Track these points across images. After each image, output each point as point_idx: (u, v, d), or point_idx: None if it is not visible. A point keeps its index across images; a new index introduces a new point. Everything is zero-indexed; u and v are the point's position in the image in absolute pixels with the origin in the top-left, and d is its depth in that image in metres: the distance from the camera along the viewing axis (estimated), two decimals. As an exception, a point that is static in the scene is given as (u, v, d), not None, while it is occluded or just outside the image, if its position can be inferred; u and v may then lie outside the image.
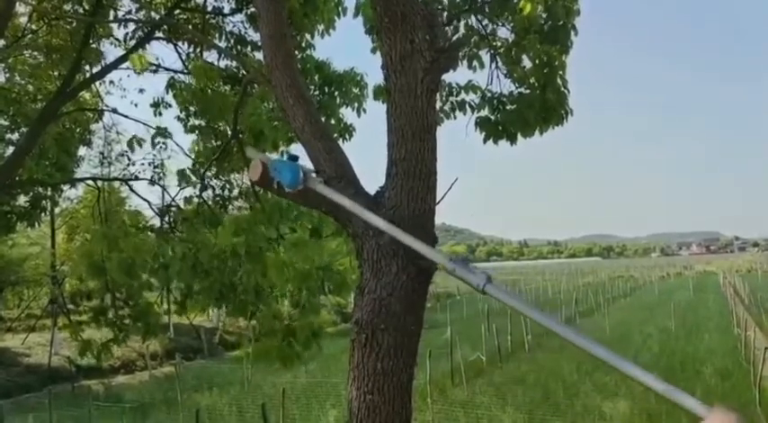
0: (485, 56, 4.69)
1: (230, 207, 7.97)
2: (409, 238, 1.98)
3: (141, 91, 13.45)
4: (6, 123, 11.43)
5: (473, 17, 4.53)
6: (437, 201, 2.75)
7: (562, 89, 4.38)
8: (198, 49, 9.39)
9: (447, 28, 4.29)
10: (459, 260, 1.66)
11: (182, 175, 6.82)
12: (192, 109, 7.28)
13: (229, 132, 6.38)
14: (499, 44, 4.63)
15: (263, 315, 5.29)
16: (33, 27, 11.04)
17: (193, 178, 6.93)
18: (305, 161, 2.93)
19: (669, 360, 14.98)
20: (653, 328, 20.67)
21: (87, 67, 10.95)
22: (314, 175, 2.16)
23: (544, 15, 4.35)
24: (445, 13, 4.34)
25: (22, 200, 10.82)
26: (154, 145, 8.54)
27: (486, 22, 4.62)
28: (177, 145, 11.16)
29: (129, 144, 8.41)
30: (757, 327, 17.53)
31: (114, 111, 12.33)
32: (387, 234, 2.54)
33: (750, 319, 18.26)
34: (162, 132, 7.85)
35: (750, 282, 35.82)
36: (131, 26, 9.67)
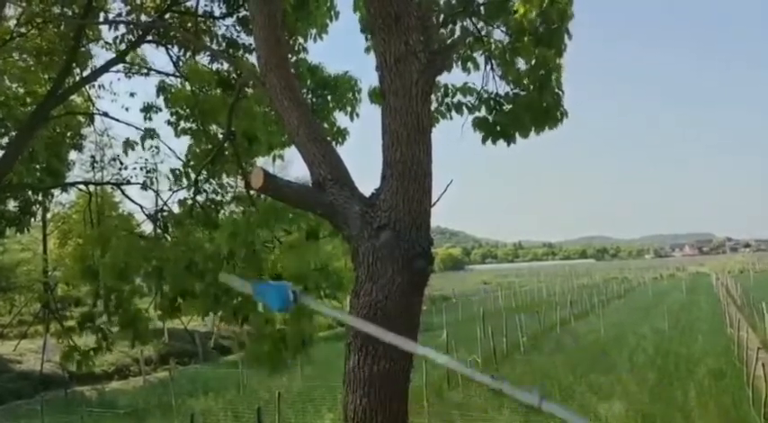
0: (479, 58, 4.70)
1: (223, 211, 7.93)
2: (455, 363, 1.83)
3: (132, 95, 13.34)
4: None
5: (468, 19, 4.53)
6: (432, 203, 2.74)
7: (557, 90, 4.40)
8: (190, 53, 9.36)
9: (442, 30, 4.29)
10: (503, 379, 1.57)
11: (174, 175, 6.77)
12: (182, 112, 7.25)
13: (220, 136, 6.35)
14: (494, 46, 4.64)
15: (256, 319, 5.26)
16: (22, 30, 10.95)
17: (185, 181, 6.89)
18: (299, 164, 2.91)
19: (663, 361, 15.02)
20: (647, 329, 20.74)
21: (77, 71, 10.88)
22: (302, 291, 1.86)
23: (539, 19, 4.37)
24: (441, 16, 4.34)
25: (12, 205, 10.71)
26: (144, 146, 8.50)
27: (480, 24, 4.63)
28: (169, 148, 11.09)
29: (125, 146, 8.38)
30: (750, 327, 17.63)
31: (105, 114, 12.27)
32: (383, 236, 2.53)
33: (743, 320, 18.36)
34: (150, 134, 7.80)
35: (742, 282, 36.05)
36: (122, 29, 9.62)
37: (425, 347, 1.71)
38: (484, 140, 4.47)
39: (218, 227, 5.79)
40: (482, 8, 4.45)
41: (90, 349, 6.63)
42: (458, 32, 4.52)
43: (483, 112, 4.53)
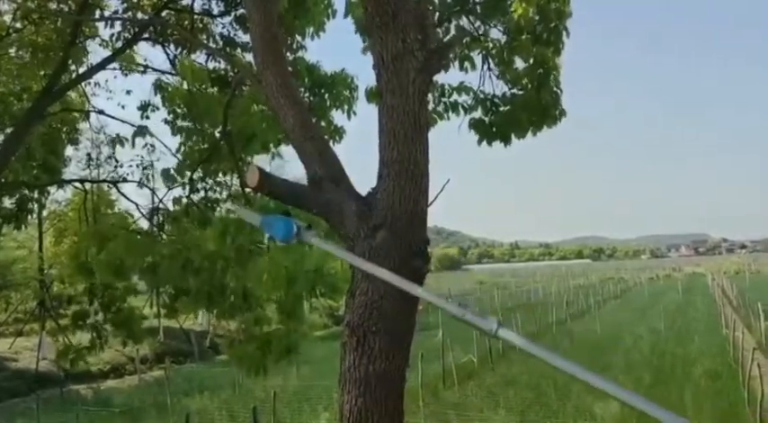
0: (476, 57, 4.68)
1: (219, 209, 7.90)
2: (412, 286, 1.92)
3: (128, 92, 13.27)
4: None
5: (465, 18, 4.52)
6: (429, 202, 2.73)
7: (555, 89, 4.39)
8: (186, 50, 9.33)
9: (438, 29, 4.27)
10: (467, 306, 1.69)
11: (166, 175, 6.74)
12: (179, 111, 7.21)
13: (217, 134, 6.32)
14: (491, 45, 4.62)
15: (246, 319, 5.24)
16: (18, 26, 10.89)
17: (179, 179, 6.84)
18: (295, 162, 2.89)
19: (659, 361, 15.04)
20: (643, 330, 20.77)
21: (73, 67, 10.83)
22: (306, 228, 2.09)
23: (537, 17, 4.36)
24: (437, 15, 4.33)
25: (8, 202, 10.66)
26: (133, 144, 8.44)
27: (477, 23, 4.62)
28: (165, 146, 11.05)
29: (113, 142, 8.34)
30: (745, 328, 17.67)
31: (101, 112, 12.22)
32: (379, 236, 2.52)
33: (738, 320, 18.39)
34: (142, 131, 7.75)
35: (738, 283, 36.14)
36: (118, 26, 9.58)
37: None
38: (480, 142, 4.46)
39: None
40: (478, 7, 4.43)
41: (84, 347, 6.61)
42: (453, 32, 4.50)
43: (479, 113, 4.52)
